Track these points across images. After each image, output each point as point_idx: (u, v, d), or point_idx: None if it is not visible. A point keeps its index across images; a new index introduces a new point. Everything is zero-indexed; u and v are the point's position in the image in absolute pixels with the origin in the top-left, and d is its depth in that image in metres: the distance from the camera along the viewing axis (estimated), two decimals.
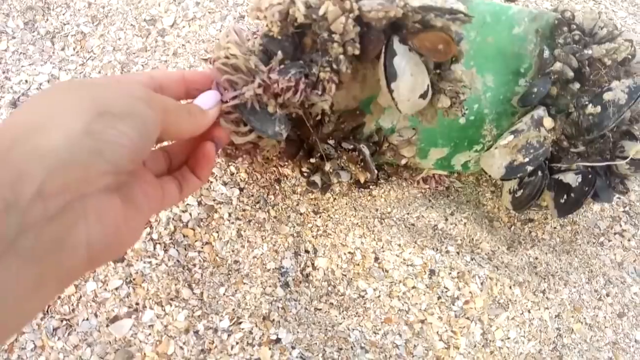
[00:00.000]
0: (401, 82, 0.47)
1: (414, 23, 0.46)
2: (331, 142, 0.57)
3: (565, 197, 0.59)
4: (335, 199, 0.67)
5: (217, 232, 0.61)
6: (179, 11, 0.77)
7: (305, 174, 0.59)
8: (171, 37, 0.75)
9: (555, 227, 0.72)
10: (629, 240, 0.72)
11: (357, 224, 0.65)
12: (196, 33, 0.76)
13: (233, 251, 0.60)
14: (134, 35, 0.75)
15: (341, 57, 0.45)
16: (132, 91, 0.31)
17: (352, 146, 0.57)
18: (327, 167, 0.57)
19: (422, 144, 0.62)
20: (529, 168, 0.58)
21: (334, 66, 0.46)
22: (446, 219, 0.67)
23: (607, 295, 0.67)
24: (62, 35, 0.73)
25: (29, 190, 0.23)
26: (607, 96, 0.55)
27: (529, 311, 0.62)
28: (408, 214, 0.67)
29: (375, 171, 0.57)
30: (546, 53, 0.58)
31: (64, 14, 0.74)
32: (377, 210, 0.67)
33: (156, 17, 0.76)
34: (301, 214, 0.65)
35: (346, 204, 0.66)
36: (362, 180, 0.58)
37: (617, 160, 0.58)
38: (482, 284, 0.62)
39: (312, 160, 0.57)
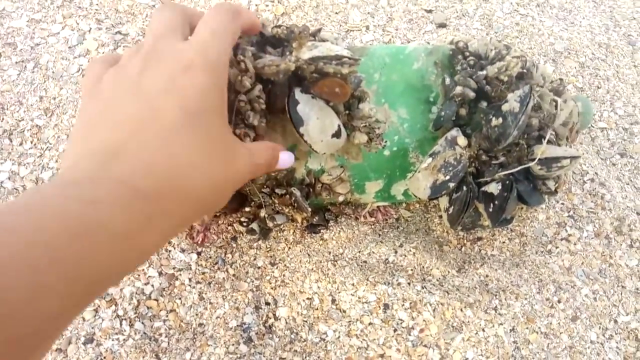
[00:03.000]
0: (309, 126, 0.54)
1: (311, 73, 0.52)
2: (266, 190, 0.62)
3: (492, 205, 0.64)
4: (289, 247, 0.71)
5: (180, 298, 0.65)
6: None
7: (244, 224, 0.64)
8: None
9: (503, 242, 0.75)
10: (574, 244, 0.75)
11: (312, 269, 0.69)
12: None
13: (197, 314, 0.64)
14: None
15: (249, 113, 0.51)
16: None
17: (284, 191, 0.62)
18: (263, 213, 0.61)
19: (356, 180, 0.67)
20: (451, 184, 0.63)
21: (247, 122, 0.51)
22: (396, 252, 0.71)
23: (559, 301, 0.70)
24: (18, 131, 0.78)
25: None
26: (505, 107, 0.60)
27: (483, 330, 0.65)
28: (359, 252, 0.71)
29: (309, 209, 0.62)
30: (447, 80, 0.64)
31: (18, 111, 0.79)
32: (329, 253, 0.70)
33: None
34: (259, 267, 0.69)
35: (300, 252, 0.70)
36: (299, 219, 0.63)
37: (528, 163, 0.62)
38: (434, 310, 0.65)
39: (247, 209, 0.62)
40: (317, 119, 0.55)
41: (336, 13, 0.90)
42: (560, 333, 0.68)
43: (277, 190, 0.62)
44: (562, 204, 0.79)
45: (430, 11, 0.94)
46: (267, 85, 0.55)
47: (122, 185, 0.31)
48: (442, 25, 0.93)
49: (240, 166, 0.42)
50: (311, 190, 0.65)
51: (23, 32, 0.84)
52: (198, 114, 0.37)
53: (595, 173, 0.83)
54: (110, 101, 0.38)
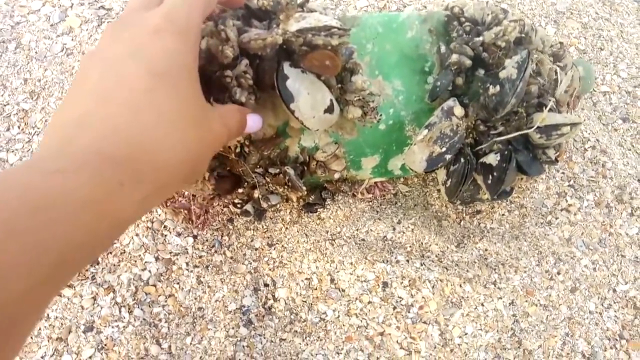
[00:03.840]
0: (299, 102, 0.52)
1: (300, 46, 0.50)
2: (259, 170, 0.61)
3: (490, 177, 0.63)
4: (287, 228, 0.70)
5: (178, 283, 0.65)
6: None
7: (238, 205, 0.63)
8: None
9: (503, 214, 0.75)
10: (575, 214, 0.74)
11: (310, 249, 0.68)
12: None
13: (196, 299, 0.64)
14: None
15: (236, 89, 0.49)
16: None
17: (278, 170, 0.61)
18: (256, 193, 0.60)
19: (351, 156, 0.66)
20: (448, 156, 0.61)
21: (234, 99, 0.49)
22: (394, 229, 0.70)
23: (558, 273, 0.70)
24: (4, 116, 0.76)
25: None
26: (502, 74, 0.58)
27: (482, 304, 0.66)
28: (357, 230, 0.70)
29: (304, 188, 0.60)
30: (443, 48, 0.61)
31: (2, 95, 0.77)
32: (327, 232, 0.70)
33: None
34: (256, 249, 0.69)
35: (297, 232, 0.70)
36: (294, 198, 0.62)
37: (525, 130, 0.61)
38: (433, 287, 0.65)
39: (241, 190, 0.61)
40: (307, 94, 0.53)
41: None
42: (560, 305, 0.68)
43: (270, 170, 0.61)
44: (563, 173, 0.78)
45: None
46: (254, 61, 0.53)
47: (90, 152, 0.30)
48: None
49: (214, 129, 0.40)
50: (306, 168, 0.64)
51: (2, 11, 0.81)
52: (166, 76, 0.35)
53: (597, 140, 0.81)
54: (80, 76, 0.36)
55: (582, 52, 0.90)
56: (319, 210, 0.71)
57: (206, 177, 0.57)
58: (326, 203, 0.71)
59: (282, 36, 0.50)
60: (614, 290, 0.70)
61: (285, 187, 0.61)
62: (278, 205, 0.71)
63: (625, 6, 0.96)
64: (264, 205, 0.61)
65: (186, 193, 0.62)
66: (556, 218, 0.74)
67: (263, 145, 0.59)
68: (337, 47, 0.52)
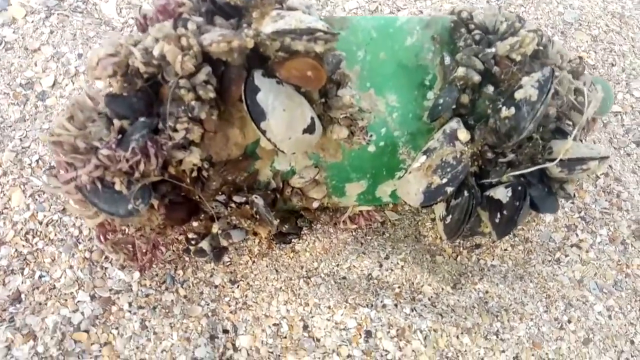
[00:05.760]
0: (272, 120, 0.44)
1: (276, 52, 0.41)
2: (221, 198, 0.50)
3: (499, 215, 0.53)
4: (254, 261, 0.59)
5: (117, 327, 0.53)
6: (59, 68, 0.68)
7: (192, 242, 0.52)
8: (53, 99, 0.67)
9: (505, 249, 0.65)
10: (587, 251, 0.65)
11: (281, 288, 0.57)
12: (82, 89, 0.67)
13: (138, 348, 0.53)
14: (9, 105, 0.66)
15: (193, 103, 0.41)
16: None
17: (244, 199, 0.50)
18: (215, 228, 0.50)
19: (334, 182, 0.56)
20: (449, 189, 0.52)
21: (192, 114, 0.40)
22: (381, 265, 0.60)
23: (569, 321, 0.60)
24: None
25: None
26: (518, 95, 0.49)
27: (482, 359, 0.55)
28: (338, 265, 0.60)
29: (275, 222, 0.50)
30: (447, 59, 0.52)
31: None
32: (302, 267, 0.59)
33: (33, 79, 0.68)
34: (216, 286, 0.58)
35: (266, 267, 0.59)
36: (263, 235, 0.52)
37: (546, 164, 0.51)
38: (425, 338, 0.55)
39: (196, 223, 0.50)
40: (283, 111, 0.44)
41: None
42: (571, 359, 0.58)
43: (235, 198, 0.50)
44: (572, 203, 0.69)
45: None
46: (219, 68, 0.43)
47: None
48: None
49: None
50: (278, 195, 0.53)
51: None
52: None
53: (609, 166, 0.72)
54: None
55: (592, 67, 0.81)
56: (293, 241, 0.60)
57: (155, 205, 0.46)
58: (302, 233, 0.61)
59: (254, 39, 0.42)
60: (632, 342, 0.61)
61: (252, 219, 0.50)
62: (267, 236, 0.60)
63: (636, 19, 0.88)
64: (224, 242, 0.50)
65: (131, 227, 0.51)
66: (566, 255, 0.65)
67: (227, 168, 0.49)
68: (322, 55, 0.43)
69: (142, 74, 0.41)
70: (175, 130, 0.42)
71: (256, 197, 0.49)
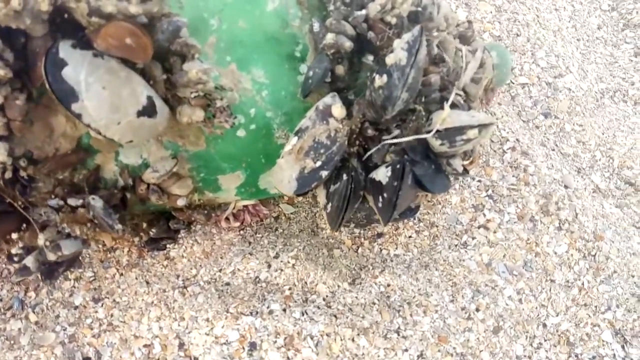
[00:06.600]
0: (87, 100, 0.36)
1: (88, 17, 0.33)
2: (54, 202, 0.42)
3: (380, 199, 0.47)
4: (122, 274, 0.52)
5: None
6: None
7: (15, 258, 0.43)
8: None
9: (410, 236, 0.60)
10: (494, 232, 0.61)
11: (153, 302, 0.50)
12: None
13: None
14: None
15: None
16: None
17: (80, 201, 0.42)
18: (41, 240, 0.41)
19: (202, 174, 0.49)
20: (324, 173, 0.46)
21: None
22: (269, 265, 0.53)
23: (477, 309, 0.56)
24: None
25: None
26: (389, 60, 0.43)
27: None
28: (220, 270, 0.53)
29: (118, 226, 0.42)
30: (316, 25, 0.47)
31: None
32: (177, 277, 0.52)
33: None
34: (76, 307, 0.50)
35: (136, 279, 0.51)
36: (108, 243, 0.45)
37: (422, 135, 0.46)
38: (317, 345, 0.49)
39: (16, 235, 0.42)
40: (102, 89, 0.37)
41: None
42: (480, 351, 0.54)
43: (70, 202, 0.42)
44: (479, 181, 0.65)
45: None
46: (16, 39, 0.35)
47: None
48: None
49: None
50: (130, 194, 0.46)
51: None
52: None
53: (517, 140, 0.68)
54: None
55: (497, 38, 0.78)
56: (167, 247, 0.53)
57: None
58: (178, 236, 0.53)
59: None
60: (544, 325, 0.57)
61: (90, 226, 0.42)
62: (113, 244, 0.52)
63: None
64: (52, 257, 0.42)
65: None
66: (473, 238, 0.61)
67: (51, 165, 0.41)
68: (152, 20, 0.36)
69: None
70: None
71: (93, 199, 0.41)
